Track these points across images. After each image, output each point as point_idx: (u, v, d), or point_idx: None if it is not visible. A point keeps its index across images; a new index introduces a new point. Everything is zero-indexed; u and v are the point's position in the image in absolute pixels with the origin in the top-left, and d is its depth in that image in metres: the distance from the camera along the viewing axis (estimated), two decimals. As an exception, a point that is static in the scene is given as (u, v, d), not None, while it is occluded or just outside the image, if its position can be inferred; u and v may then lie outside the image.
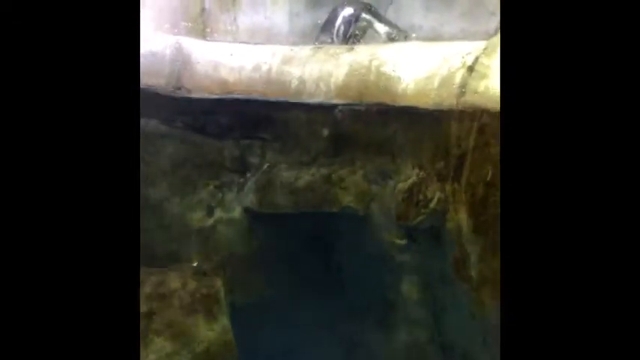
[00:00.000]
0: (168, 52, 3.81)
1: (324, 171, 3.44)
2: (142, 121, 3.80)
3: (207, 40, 4.16)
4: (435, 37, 3.84)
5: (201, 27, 4.48)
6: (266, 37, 4.36)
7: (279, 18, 4.46)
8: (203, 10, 4.50)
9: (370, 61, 3.27)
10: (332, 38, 3.87)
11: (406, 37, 3.85)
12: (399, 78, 3.13)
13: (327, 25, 3.96)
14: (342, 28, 3.89)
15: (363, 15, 3.91)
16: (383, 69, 3.20)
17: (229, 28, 4.49)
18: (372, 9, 3.93)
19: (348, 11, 3.92)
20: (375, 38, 3.89)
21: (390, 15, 4.07)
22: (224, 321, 3.43)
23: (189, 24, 4.41)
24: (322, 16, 4.09)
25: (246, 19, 4.48)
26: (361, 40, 3.85)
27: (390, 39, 3.82)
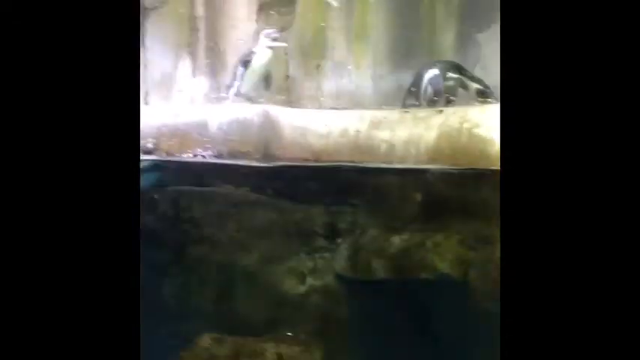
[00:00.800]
0: (256, 120, 3.88)
1: (417, 236, 3.38)
2: (231, 189, 3.91)
3: (293, 106, 4.21)
4: None
5: (286, 93, 4.55)
6: (351, 100, 4.36)
7: (363, 81, 4.46)
8: (287, 77, 4.58)
9: (461, 123, 3.22)
10: (419, 101, 3.82)
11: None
12: (492, 140, 3.07)
13: (413, 87, 3.92)
14: (429, 89, 3.83)
15: (450, 74, 3.84)
16: (475, 131, 3.16)
17: (314, 93, 4.53)
18: (459, 67, 3.87)
19: (433, 72, 3.84)
20: (465, 97, 3.83)
21: (478, 73, 4.01)
22: (323, 391, 3.38)
23: (275, 91, 4.49)
24: (407, 79, 4.07)
25: (330, 83, 4.50)
26: (451, 99, 3.78)
27: (481, 95, 3.74)
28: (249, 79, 4.15)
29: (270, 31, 4.18)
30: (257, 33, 4.37)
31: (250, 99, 4.13)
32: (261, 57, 4.15)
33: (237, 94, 4.13)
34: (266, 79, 4.23)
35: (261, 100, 4.15)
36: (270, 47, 4.17)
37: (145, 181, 3.76)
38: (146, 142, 3.63)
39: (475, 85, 3.79)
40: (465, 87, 3.81)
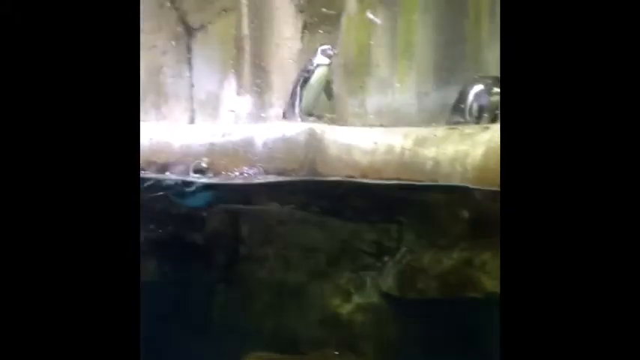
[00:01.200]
0: (302, 138, 3.90)
1: (465, 254, 3.36)
2: (277, 207, 3.93)
3: (338, 124, 4.23)
4: None
5: (331, 111, 4.56)
6: (395, 118, 4.34)
7: (407, 99, 4.45)
8: (332, 95, 4.60)
9: None
10: (464, 117, 3.80)
11: None
12: None
13: (459, 103, 3.90)
14: (475, 105, 3.81)
15: (495, 89, 3.81)
16: None
17: (358, 110, 4.53)
18: None
19: (478, 87, 3.83)
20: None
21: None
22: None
23: (320, 109, 4.52)
24: (451, 95, 4.05)
25: (374, 101, 4.49)
26: (497, 114, 3.75)
27: None
28: (308, 95, 4.20)
29: (326, 47, 4.22)
30: (303, 52, 4.43)
31: (312, 115, 4.17)
32: (318, 73, 4.20)
33: (300, 111, 4.17)
34: (327, 92, 4.27)
35: (325, 114, 4.20)
36: (326, 64, 4.22)
37: (198, 200, 3.81)
38: (200, 161, 3.69)
39: None
40: None
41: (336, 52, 4.23)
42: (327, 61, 4.21)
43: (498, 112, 3.71)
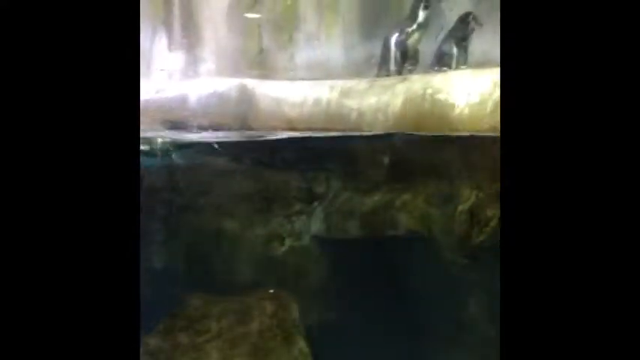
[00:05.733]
0: (234, 93, 4.06)
1: (387, 197, 3.59)
2: (213, 160, 4.08)
3: (268, 79, 4.34)
4: (485, 61, 3.88)
5: (261, 66, 4.65)
6: (323, 71, 4.44)
7: (334, 52, 4.57)
8: (261, 50, 4.68)
9: (424, 89, 3.38)
10: (389, 69, 3.96)
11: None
12: (454, 105, 3.24)
13: (384, 55, 4.01)
14: (398, 54, 3.95)
15: (409, 29, 3.87)
16: (437, 97, 3.31)
17: (287, 65, 4.63)
18: (421, 24, 3.89)
19: (396, 35, 3.92)
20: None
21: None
22: (301, 343, 3.62)
23: (249, 64, 4.60)
24: (376, 46, 4.14)
25: (302, 55, 4.60)
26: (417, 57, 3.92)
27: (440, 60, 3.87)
28: None
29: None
30: (231, 6, 4.49)
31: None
32: None
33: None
34: None
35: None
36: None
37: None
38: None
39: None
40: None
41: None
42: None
43: (419, 51, 3.89)
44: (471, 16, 3.83)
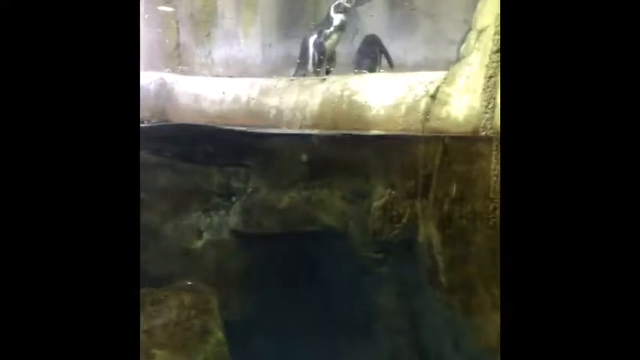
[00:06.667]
0: (152, 87, 4.06)
1: (304, 193, 3.70)
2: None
3: (186, 74, 4.36)
4: (399, 65, 4.03)
5: (177, 61, 4.64)
6: (241, 68, 4.51)
7: (252, 50, 4.62)
8: (178, 44, 4.67)
9: (342, 91, 3.47)
10: (307, 70, 4.04)
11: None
12: (370, 106, 3.34)
13: (302, 56, 4.09)
14: (315, 55, 4.05)
15: (327, 31, 3.98)
16: (354, 98, 3.41)
17: (205, 61, 4.64)
18: (338, 26, 4.00)
19: (314, 37, 4.02)
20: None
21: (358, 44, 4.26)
22: (219, 334, 3.67)
23: (166, 58, 4.58)
24: (294, 46, 4.23)
25: (220, 51, 4.60)
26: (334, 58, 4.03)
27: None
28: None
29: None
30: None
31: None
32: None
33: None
34: None
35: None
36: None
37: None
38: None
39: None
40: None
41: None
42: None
43: (336, 53, 4.01)
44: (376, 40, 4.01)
